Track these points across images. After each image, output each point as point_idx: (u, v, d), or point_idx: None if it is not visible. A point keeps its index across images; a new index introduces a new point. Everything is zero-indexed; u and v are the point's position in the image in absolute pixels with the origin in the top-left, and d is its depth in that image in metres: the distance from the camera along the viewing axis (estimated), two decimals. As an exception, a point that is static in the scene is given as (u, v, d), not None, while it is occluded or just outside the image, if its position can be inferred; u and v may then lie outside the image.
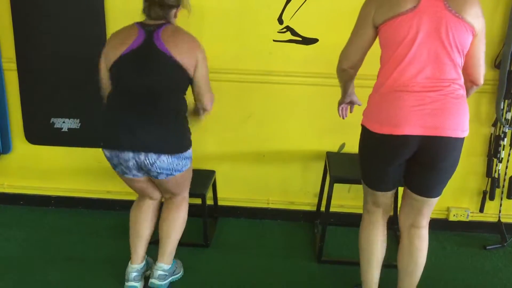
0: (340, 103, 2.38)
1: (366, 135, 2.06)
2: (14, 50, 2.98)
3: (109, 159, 2.26)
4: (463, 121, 1.97)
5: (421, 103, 1.91)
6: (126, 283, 2.43)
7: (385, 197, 2.20)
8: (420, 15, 1.89)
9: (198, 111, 2.42)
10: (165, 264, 2.44)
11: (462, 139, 1.98)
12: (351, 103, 2.37)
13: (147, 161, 2.18)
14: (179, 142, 2.26)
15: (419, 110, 1.91)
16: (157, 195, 2.49)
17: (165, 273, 2.45)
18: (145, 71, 2.19)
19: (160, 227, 2.47)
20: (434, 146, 1.95)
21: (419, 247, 2.20)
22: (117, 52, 2.21)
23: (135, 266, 2.44)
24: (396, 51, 1.94)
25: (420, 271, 2.25)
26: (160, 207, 2.56)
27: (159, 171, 2.23)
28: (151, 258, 2.59)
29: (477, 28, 1.92)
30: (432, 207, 2.17)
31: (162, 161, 2.20)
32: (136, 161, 2.20)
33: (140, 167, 2.23)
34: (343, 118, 2.42)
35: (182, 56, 2.20)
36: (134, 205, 2.52)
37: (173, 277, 2.53)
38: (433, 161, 2.00)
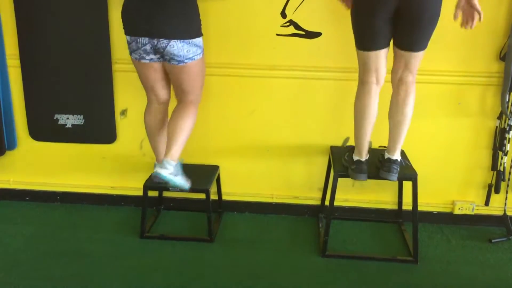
0: None
1: None
2: (17, 47, 2.99)
3: (129, 43, 2.56)
4: None
5: None
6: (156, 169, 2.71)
7: (377, 59, 2.43)
8: None
9: None
10: (171, 159, 2.61)
11: None
12: None
13: (160, 45, 2.48)
14: (187, 28, 2.51)
15: None
16: (164, 95, 2.75)
17: (171, 166, 2.60)
18: None
19: (168, 126, 2.70)
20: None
21: (405, 100, 2.49)
22: None
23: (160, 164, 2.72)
24: None
25: (406, 123, 2.52)
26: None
27: (171, 56, 2.51)
28: None
29: None
30: (417, 62, 2.44)
31: (172, 46, 2.47)
32: (151, 45, 2.50)
33: (156, 51, 2.52)
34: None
35: None
36: (145, 111, 2.80)
37: (176, 177, 2.65)
38: (413, 14, 2.28)
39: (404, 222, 3.07)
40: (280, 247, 2.88)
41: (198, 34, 2.57)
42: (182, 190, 2.75)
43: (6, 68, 3.05)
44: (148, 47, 2.51)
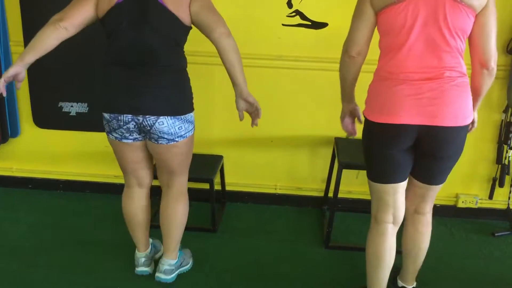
0: (343, 116, 2.18)
1: (367, 125, 2.01)
2: (22, 34, 2.97)
3: (108, 121, 2.16)
4: (463, 108, 1.87)
5: (418, 92, 1.84)
6: (136, 269, 2.47)
7: (394, 194, 2.04)
8: (416, 1, 1.80)
9: (241, 99, 2.24)
10: (171, 259, 2.43)
11: (464, 127, 1.90)
12: (353, 113, 2.16)
13: (145, 122, 2.09)
14: (178, 103, 2.14)
15: (417, 100, 1.84)
16: (147, 177, 2.39)
17: (171, 267, 2.43)
18: (142, 25, 2.01)
19: (161, 223, 2.40)
20: (434, 135, 1.88)
21: (422, 233, 2.19)
22: None
23: (142, 254, 2.47)
24: (394, 39, 1.87)
25: (423, 254, 2.24)
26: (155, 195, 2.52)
27: (160, 134, 2.13)
28: (158, 240, 2.60)
29: (477, 7, 1.80)
30: (435, 194, 2.12)
31: (161, 123, 2.09)
32: (135, 122, 2.11)
33: (141, 129, 2.14)
34: (353, 135, 2.20)
35: (177, 4, 2.01)
36: (124, 195, 2.42)
37: (180, 269, 2.51)
38: (435, 150, 1.94)
39: (408, 214, 3.07)
40: (283, 238, 2.88)
41: (191, 108, 2.22)
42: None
43: (10, 55, 3.04)
44: (131, 125, 2.12)
